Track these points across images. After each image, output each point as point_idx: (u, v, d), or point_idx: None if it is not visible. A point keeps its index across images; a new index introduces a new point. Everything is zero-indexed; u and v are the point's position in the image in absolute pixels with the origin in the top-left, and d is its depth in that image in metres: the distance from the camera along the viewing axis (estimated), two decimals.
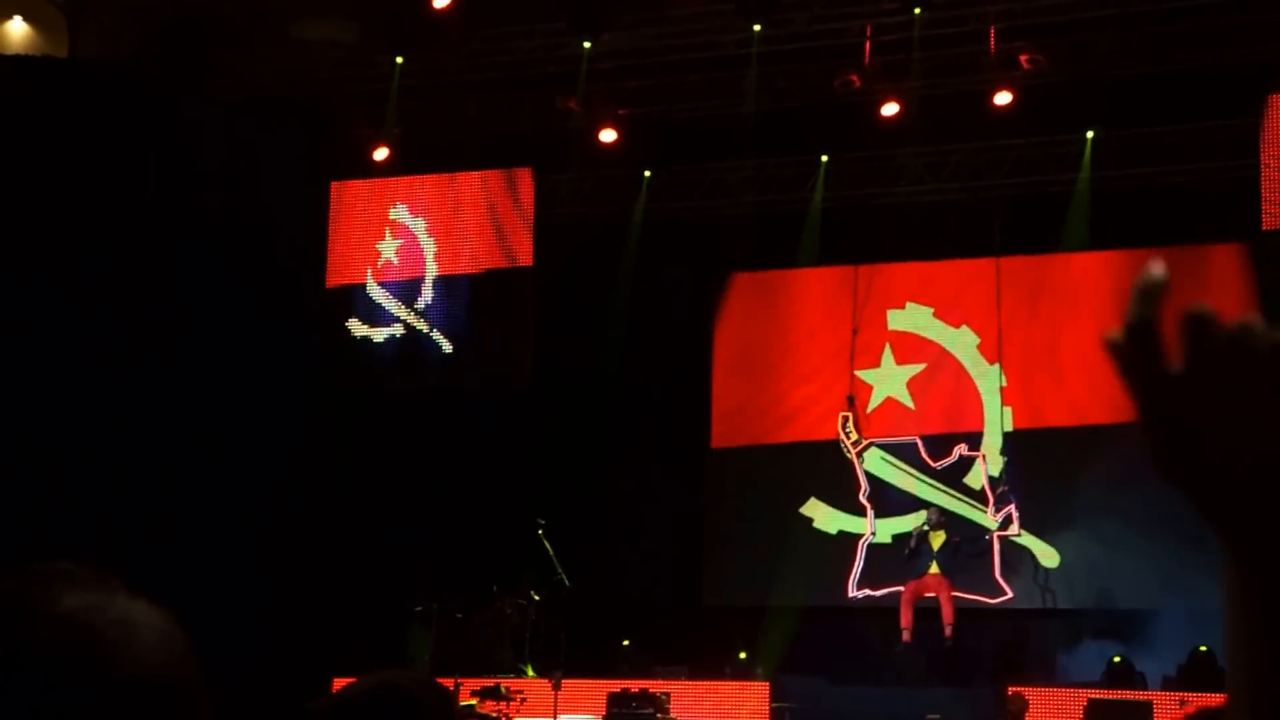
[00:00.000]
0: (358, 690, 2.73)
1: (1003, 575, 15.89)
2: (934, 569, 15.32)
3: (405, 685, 2.74)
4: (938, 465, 16.43)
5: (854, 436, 16.61)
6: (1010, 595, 15.88)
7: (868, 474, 16.62)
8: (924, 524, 15.56)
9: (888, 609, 15.71)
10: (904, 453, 16.61)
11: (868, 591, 16.23)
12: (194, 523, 14.72)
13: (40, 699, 1.22)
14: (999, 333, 16.47)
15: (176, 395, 15.36)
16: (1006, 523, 15.94)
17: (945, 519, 15.66)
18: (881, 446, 16.68)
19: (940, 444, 16.52)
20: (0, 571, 1.31)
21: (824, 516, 16.77)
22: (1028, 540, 16.03)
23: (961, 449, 16.37)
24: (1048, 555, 16.07)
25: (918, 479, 16.51)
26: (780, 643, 15.74)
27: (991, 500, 16.08)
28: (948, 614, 15.11)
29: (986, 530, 16.00)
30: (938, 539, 15.43)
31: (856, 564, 16.35)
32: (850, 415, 16.65)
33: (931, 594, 15.30)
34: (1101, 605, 15.73)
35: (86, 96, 15.38)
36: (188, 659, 1.31)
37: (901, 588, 15.48)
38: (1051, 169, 16.22)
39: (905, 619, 15.20)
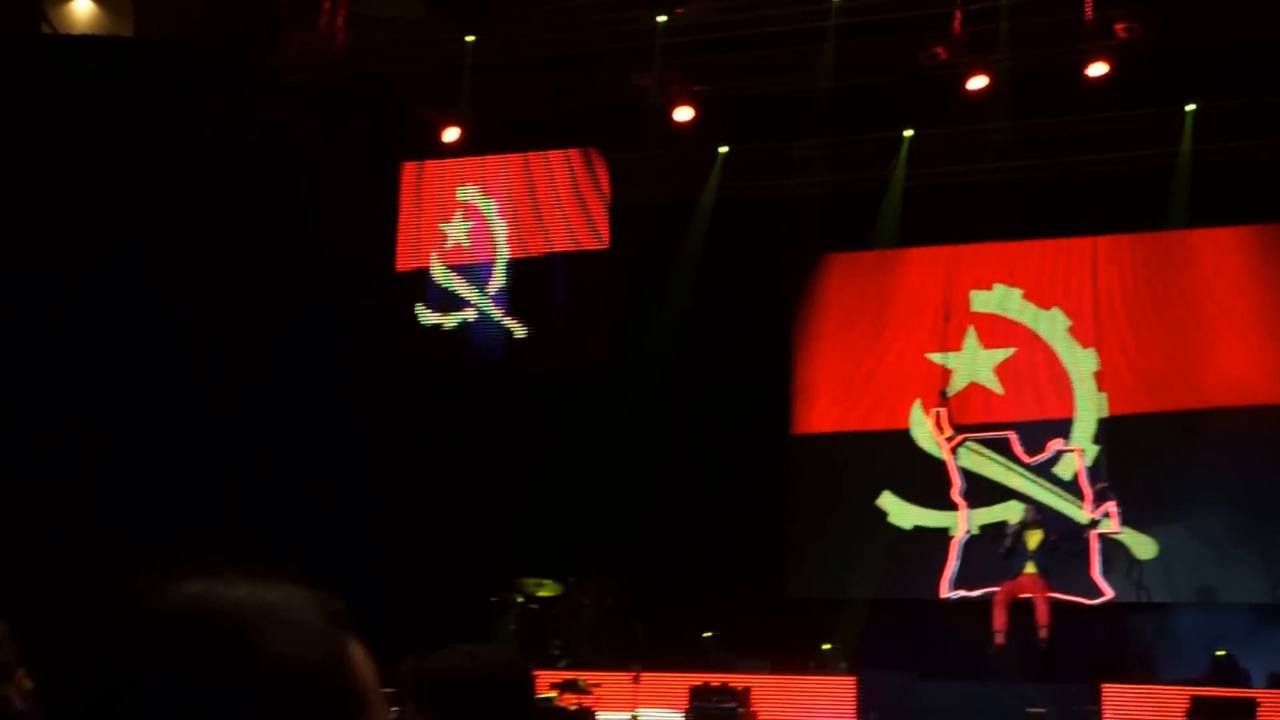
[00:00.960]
0: (466, 672, 2.77)
1: (1102, 574, 15.70)
2: (1030, 569, 15.05)
3: (510, 669, 2.80)
4: (1032, 460, 16.28)
5: (947, 432, 16.47)
6: (1110, 596, 15.66)
7: (960, 469, 16.49)
8: (1020, 522, 15.37)
9: (979, 603, 15.62)
10: (996, 446, 16.47)
11: (963, 593, 16.06)
12: (266, 515, 14.87)
13: (138, 694, 1.20)
14: (1095, 315, 16.29)
15: (243, 386, 15.53)
16: (1104, 519, 15.76)
17: (1042, 518, 15.45)
18: (974, 439, 16.54)
19: (1031, 433, 16.36)
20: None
21: (899, 511, 16.68)
22: (1124, 533, 15.86)
23: (1057, 444, 16.19)
24: (1144, 546, 15.89)
25: (1008, 468, 16.38)
26: (859, 637, 15.67)
27: (1090, 496, 15.89)
28: (1043, 615, 14.83)
29: (1083, 527, 15.81)
30: (1034, 538, 15.16)
31: (952, 564, 16.20)
32: (944, 410, 16.51)
33: (1027, 595, 15.08)
34: (1204, 599, 15.54)
35: (153, 76, 15.58)
36: (326, 648, 1.25)
37: (996, 589, 15.29)
38: (1150, 143, 15.90)
39: (999, 621, 14.96)
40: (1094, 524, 15.74)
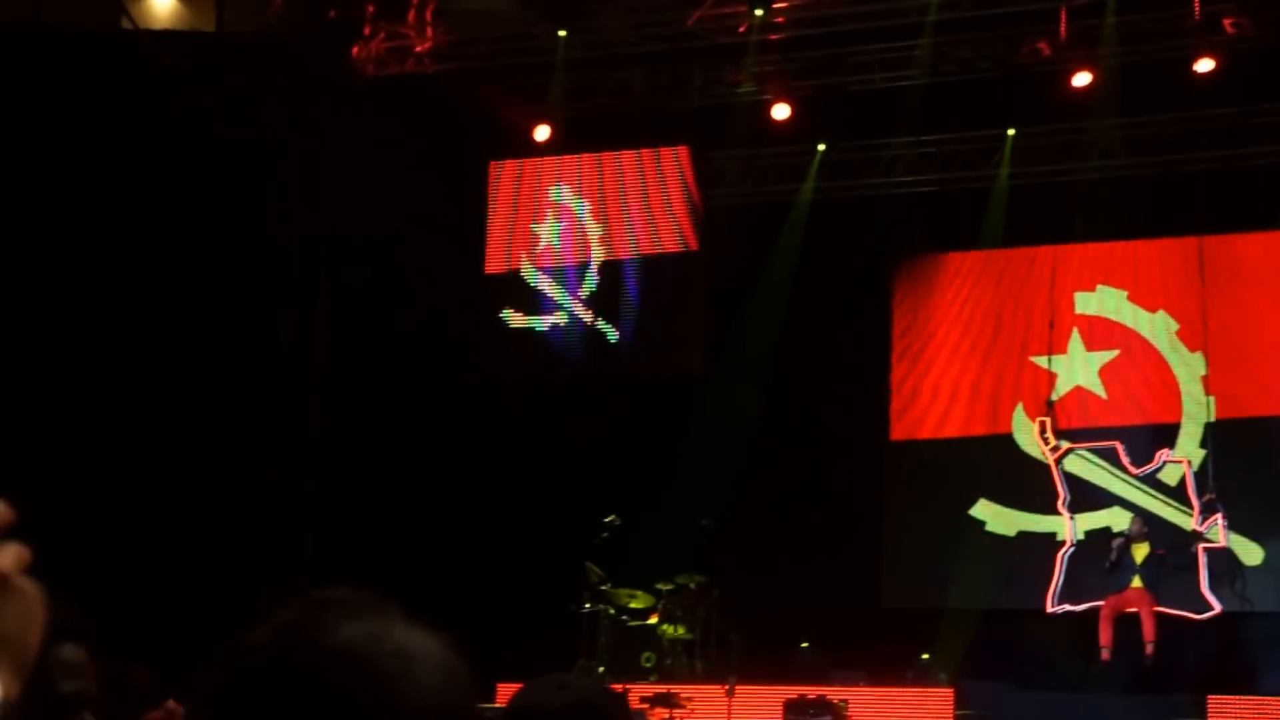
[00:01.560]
0: (553, 705, 2.67)
1: (1210, 588, 15.51)
2: (1136, 583, 14.91)
3: (601, 703, 2.71)
4: (1139, 472, 16.08)
5: (1052, 443, 16.27)
6: (1218, 610, 15.46)
7: (1065, 475, 16.28)
8: (1126, 535, 15.17)
9: (1083, 614, 15.46)
10: (1102, 455, 16.28)
11: (1068, 607, 15.86)
12: (356, 521, 14.85)
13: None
14: (1203, 317, 16.07)
15: (323, 395, 15.48)
16: (1212, 531, 15.55)
17: (1149, 530, 15.25)
18: (1080, 447, 16.32)
19: (1137, 438, 16.17)
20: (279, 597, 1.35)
21: (998, 518, 16.50)
22: (1231, 539, 15.66)
23: (1164, 454, 15.99)
24: (1251, 553, 15.71)
25: (1113, 474, 16.19)
26: (959, 648, 15.53)
27: (1198, 508, 15.69)
28: (1149, 630, 14.69)
29: (1190, 539, 15.61)
30: (1140, 551, 15.02)
31: (1057, 577, 15.99)
32: (1049, 420, 16.32)
33: (1133, 609, 14.92)
34: None
35: (235, 72, 15.47)
36: (467, 690, 1.36)
37: (1101, 603, 15.11)
38: (1258, 141, 15.72)
39: (1105, 636, 14.80)
40: (1200, 536, 15.52)
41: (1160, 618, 14.91)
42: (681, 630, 15.04)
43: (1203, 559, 15.53)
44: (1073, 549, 16.04)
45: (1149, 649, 14.70)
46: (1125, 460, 16.13)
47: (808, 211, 16.91)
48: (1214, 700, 13.77)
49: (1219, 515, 15.51)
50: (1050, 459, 16.27)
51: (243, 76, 15.41)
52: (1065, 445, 16.28)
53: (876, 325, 17.13)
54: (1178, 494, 15.92)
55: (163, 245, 15.22)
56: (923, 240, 17.23)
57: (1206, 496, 15.62)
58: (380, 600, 1.37)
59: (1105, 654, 14.84)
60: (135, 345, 14.77)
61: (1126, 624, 14.93)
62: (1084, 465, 16.31)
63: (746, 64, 15.57)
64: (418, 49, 15.69)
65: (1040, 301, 16.65)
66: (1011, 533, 16.44)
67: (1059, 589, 15.93)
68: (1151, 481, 16.04)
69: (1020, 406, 16.64)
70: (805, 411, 16.75)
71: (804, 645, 15.33)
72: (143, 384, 14.82)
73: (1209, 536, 15.56)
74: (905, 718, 14.30)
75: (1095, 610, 15.15)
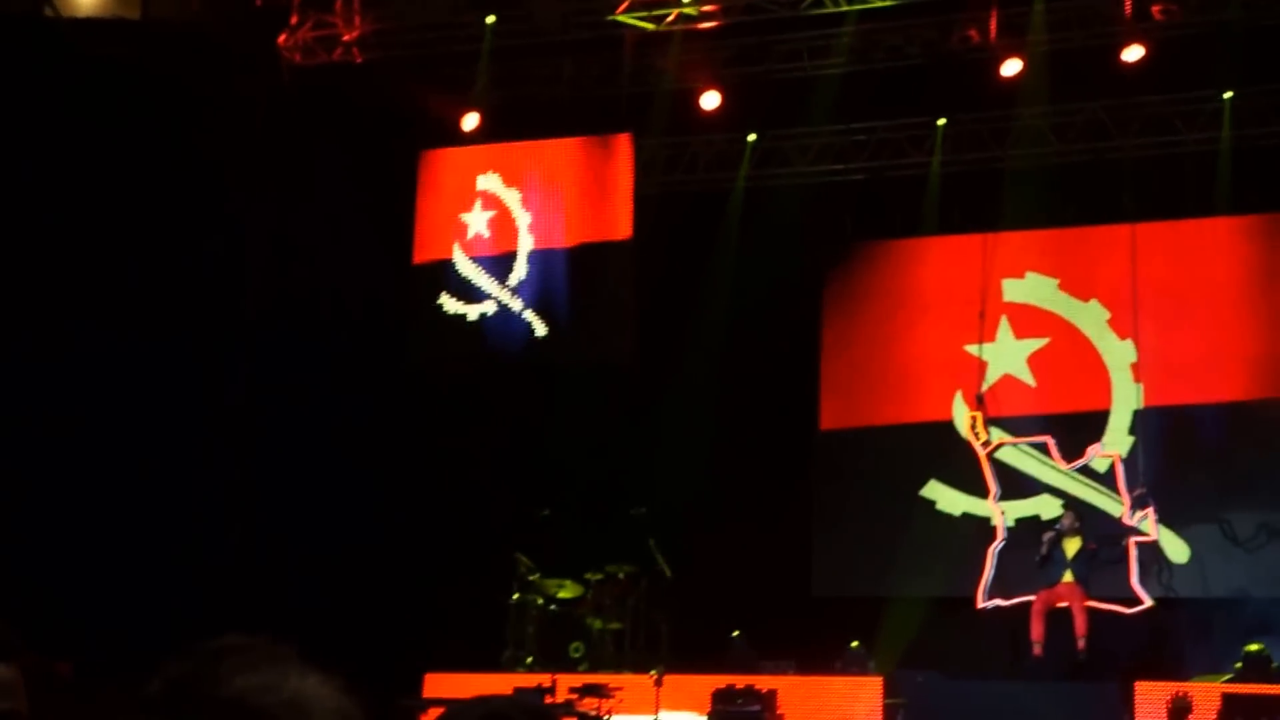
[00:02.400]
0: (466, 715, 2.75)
1: (1140, 582, 15.67)
2: (1068, 577, 15.04)
3: (510, 714, 2.77)
4: (1069, 466, 16.22)
5: (983, 438, 16.39)
6: (1149, 604, 15.63)
7: (994, 461, 16.41)
8: (1057, 529, 15.26)
9: (1015, 606, 15.60)
10: (1033, 446, 16.42)
11: (998, 601, 15.99)
12: (285, 512, 14.87)
13: None
14: (1134, 305, 16.22)
15: (257, 383, 15.48)
16: (1143, 524, 15.68)
17: (1080, 525, 15.39)
18: (1010, 442, 16.46)
19: (1066, 427, 16.35)
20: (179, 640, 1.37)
21: (947, 499, 16.64)
22: (1160, 531, 15.81)
23: (1095, 450, 16.16)
24: (1179, 543, 15.88)
25: (1042, 463, 16.32)
26: (903, 636, 15.61)
27: (1129, 501, 15.84)
28: (1080, 625, 14.86)
29: (1122, 531, 15.77)
30: (1072, 546, 15.16)
31: (987, 572, 16.13)
32: (979, 415, 16.43)
33: (1064, 604, 15.08)
34: (1238, 594, 15.54)
35: (160, 61, 15.41)
36: None
37: (1032, 597, 15.24)
38: (1188, 128, 15.99)
39: (1036, 631, 14.95)
40: (1131, 529, 15.66)
41: (1090, 611, 15.04)
42: (611, 621, 15.15)
43: (1133, 553, 15.69)
44: (1002, 544, 16.18)
45: (1080, 644, 14.84)
46: (1056, 454, 16.27)
47: (743, 199, 17.02)
48: (1140, 686, 13.91)
49: (1150, 509, 15.66)
50: (981, 454, 16.39)
51: (168, 65, 15.34)
52: (996, 440, 16.40)
53: (808, 314, 17.24)
54: (1107, 480, 16.09)
55: (86, 234, 15.18)
56: (854, 228, 17.35)
57: (1137, 490, 15.79)
58: (274, 646, 1.37)
59: (1037, 649, 14.95)
60: (51, 338, 14.74)
61: (1057, 617, 15.06)
62: (1014, 454, 16.47)
63: (674, 51, 15.61)
64: (345, 38, 15.72)
65: (972, 289, 16.77)
66: (957, 513, 16.59)
67: (989, 584, 16.06)
68: (1081, 469, 16.19)
69: (959, 394, 16.78)
70: (737, 400, 16.84)
71: (735, 635, 15.43)
72: (61, 377, 14.79)
73: (1141, 529, 15.71)
74: (835, 707, 14.37)
75: (1027, 606, 15.27)
